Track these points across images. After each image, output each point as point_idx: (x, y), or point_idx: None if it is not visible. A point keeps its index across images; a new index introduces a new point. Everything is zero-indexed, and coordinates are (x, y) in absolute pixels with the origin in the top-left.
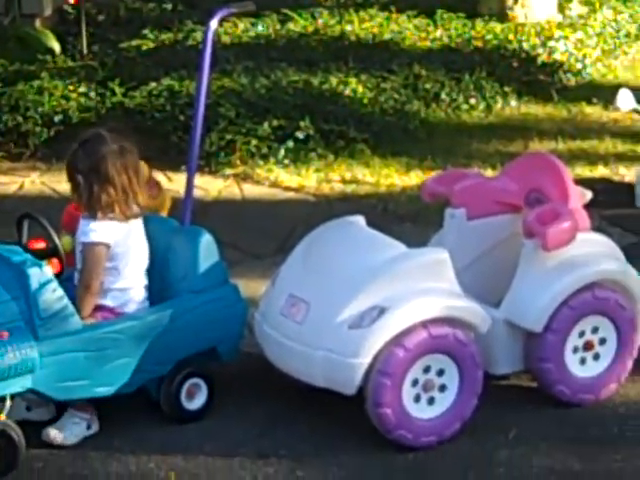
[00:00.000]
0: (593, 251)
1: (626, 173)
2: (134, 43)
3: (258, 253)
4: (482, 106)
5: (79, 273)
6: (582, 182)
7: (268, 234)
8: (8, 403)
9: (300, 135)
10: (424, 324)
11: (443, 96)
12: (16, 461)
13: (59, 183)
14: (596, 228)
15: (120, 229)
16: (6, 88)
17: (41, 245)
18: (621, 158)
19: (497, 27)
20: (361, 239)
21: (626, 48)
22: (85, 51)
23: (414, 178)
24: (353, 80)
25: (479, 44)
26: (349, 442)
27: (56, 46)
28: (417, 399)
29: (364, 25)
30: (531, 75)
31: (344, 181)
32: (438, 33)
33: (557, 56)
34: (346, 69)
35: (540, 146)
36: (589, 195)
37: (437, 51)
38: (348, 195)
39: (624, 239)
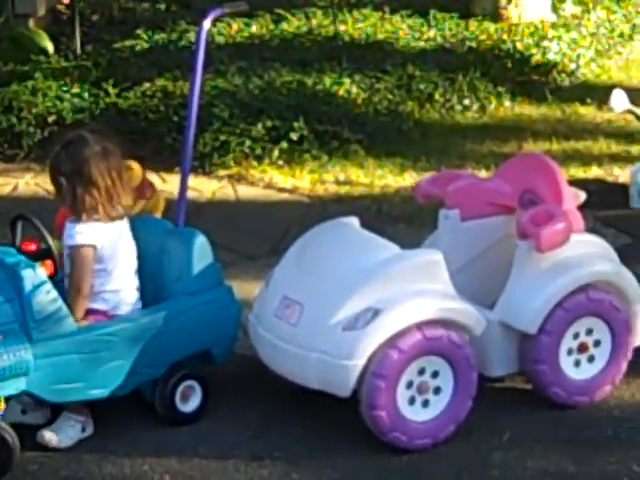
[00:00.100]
0: (587, 252)
1: (620, 174)
2: (128, 43)
3: (252, 254)
4: (476, 106)
5: (68, 277)
6: (576, 183)
7: (262, 235)
8: (2, 406)
9: (294, 136)
10: (418, 326)
11: (437, 96)
12: (10, 464)
13: None
14: (590, 229)
15: (106, 230)
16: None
17: (35, 247)
18: (615, 159)
19: (491, 27)
20: (355, 240)
21: (620, 48)
22: (79, 51)
23: (408, 179)
24: (347, 80)
25: (473, 44)
26: (343, 444)
27: (50, 46)
28: (411, 401)
29: (358, 25)
30: (525, 75)
31: (338, 182)
32: (432, 33)
33: (551, 56)
34: (340, 69)
35: (534, 147)
36: (583, 196)
37: (431, 51)
38: (342, 196)
39: (618, 240)
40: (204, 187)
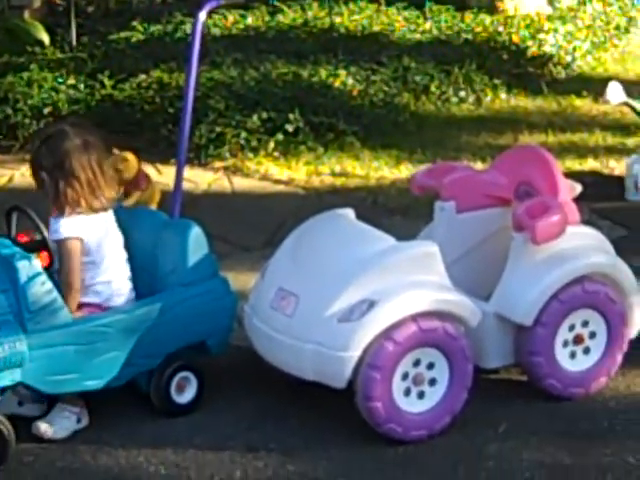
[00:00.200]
0: (583, 244)
1: (616, 166)
2: (123, 35)
3: (247, 246)
4: (472, 99)
5: (59, 273)
6: (572, 175)
7: (257, 227)
8: None
9: (290, 128)
10: (414, 317)
11: (433, 89)
12: (6, 455)
13: None
14: (586, 221)
15: (90, 223)
16: None
17: (30, 238)
18: (611, 151)
19: (487, 19)
20: (351, 232)
21: (616, 41)
22: (74, 43)
23: (404, 171)
24: (342, 72)
25: (469, 36)
26: (339, 436)
27: (45, 38)
28: (407, 393)
29: (353, 17)
30: (521, 68)
31: (334, 174)
32: (428, 25)
33: (547, 49)
34: (335, 61)
35: (530, 139)
36: (579, 188)
37: (427, 43)
38: (338, 188)
39: (614, 232)
40: (200, 179)
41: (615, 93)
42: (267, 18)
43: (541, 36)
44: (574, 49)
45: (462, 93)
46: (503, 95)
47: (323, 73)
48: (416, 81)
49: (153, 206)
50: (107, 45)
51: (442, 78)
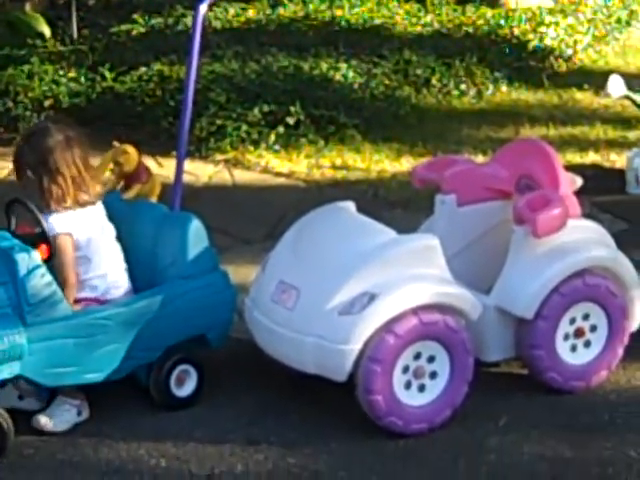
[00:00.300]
0: (584, 238)
1: (617, 159)
2: (124, 28)
3: (248, 238)
4: (473, 92)
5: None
6: (573, 168)
7: (258, 220)
8: None
9: (290, 121)
10: (414, 311)
11: (434, 82)
12: (4, 448)
13: None
14: (587, 215)
15: (78, 218)
16: None
17: (30, 230)
18: (612, 144)
19: (488, 12)
20: (351, 225)
21: (617, 34)
22: (75, 35)
23: (405, 164)
24: (343, 65)
25: (470, 30)
26: (339, 429)
27: (46, 30)
28: (408, 386)
29: (354, 10)
30: (522, 61)
31: (334, 167)
32: (429, 18)
33: (548, 42)
34: (336, 54)
35: (531, 132)
36: (580, 181)
37: (428, 36)
38: (338, 181)
39: (615, 226)
40: (200, 171)
41: (616, 86)
42: (268, 11)
43: (542, 29)
44: (575, 42)
45: (463, 86)
46: (504, 88)
47: (324, 66)
48: (417, 74)
49: (153, 199)
50: (108, 38)
51: (443, 71)
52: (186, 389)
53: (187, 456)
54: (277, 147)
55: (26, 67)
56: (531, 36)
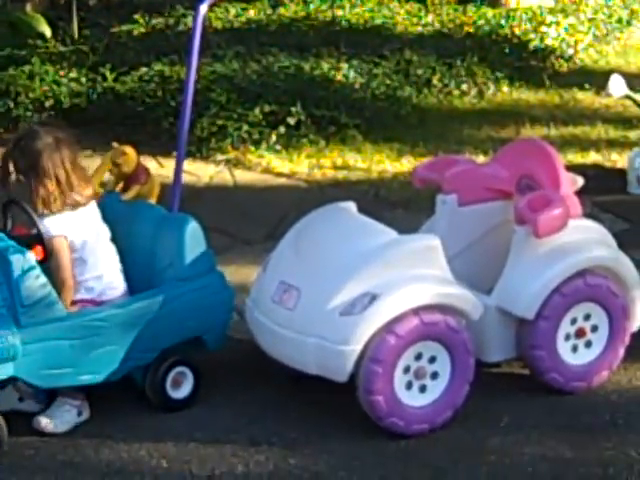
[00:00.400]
0: (585, 238)
1: (618, 159)
2: (125, 28)
3: (249, 239)
4: (474, 92)
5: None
6: (574, 168)
7: (259, 220)
8: None
9: (291, 121)
10: (415, 311)
11: (435, 82)
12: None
13: None
14: (588, 215)
15: (71, 219)
16: None
17: (26, 232)
18: (613, 144)
19: (489, 12)
20: (352, 225)
21: (618, 34)
22: (76, 36)
23: (406, 164)
24: (344, 65)
25: (471, 29)
26: (340, 429)
27: (47, 31)
28: (409, 386)
29: (355, 10)
30: (523, 61)
31: (335, 167)
32: (430, 18)
33: (549, 42)
34: (337, 54)
35: (532, 132)
36: (581, 181)
37: (429, 36)
38: (339, 181)
39: (616, 225)
40: (201, 172)
41: (617, 86)
42: (269, 11)
43: (543, 29)
44: (576, 42)
45: (464, 86)
46: (505, 88)
47: (325, 66)
48: (418, 74)
49: (153, 200)
50: (109, 38)
51: (444, 71)
52: (182, 391)
53: (188, 457)
54: (278, 147)
55: (27, 67)
56: (532, 36)
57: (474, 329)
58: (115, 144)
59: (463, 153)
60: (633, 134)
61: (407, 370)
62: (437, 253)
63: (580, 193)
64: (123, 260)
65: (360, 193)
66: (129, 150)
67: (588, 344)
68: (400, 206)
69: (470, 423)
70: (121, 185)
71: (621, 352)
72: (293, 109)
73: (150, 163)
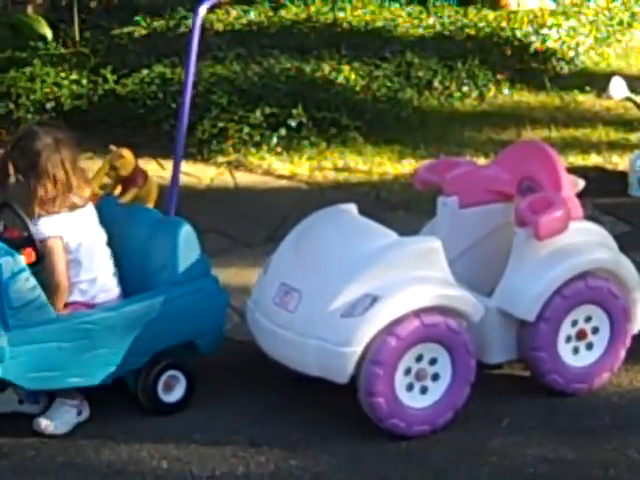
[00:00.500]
0: (586, 240)
1: (619, 161)
2: (126, 30)
3: (250, 241)
4: (475, 94)
5: (42, 272)
6: (575, 170)
7: (260, 222)
8: None
9: (292, 123)
10: (416, 313)
11: (436, 84)
12: None
13: None
14: (589, 217)
15: (68, 221)
16: None
17: (18, 234)
18: (614, 146)
19: (490, 15)
20: (353, 227)
21: (619, 36)
22: (77, 38)
23: (407, 166)
24: (346, 68)
25: (472, 32)
26: (341, 431)
27: (48, 33)
28: (410, 388)
29: (356, 12)
30: (524, 63)
31: (336, 169)
32: (431, 21)
33: (550, 44)
34: (338, 57)
35: (533, 134)
36: (582, 184)
37: (430, 39)
38: (341, 183)
39: (617, 228)
40: (202, 174)
41: (618, 88)
42: (270, 13)
43: (544, 31)
44: (577, 44)
45: (465, 88)
46: (506, 90)
47: (326, 68)
48: (419, 76)
49: (151, 202)
50: (110, 40)
51: (445, 73)
52: (174, 395)
53: (188, 458)
54: (279, 149)
55: (28, 69)
56: (533, 38)
57: (475, 331)
58: (113, 147)
59: (464, 155)
60: (634, 136)
61: (408, 372)
62: (438, 255)
63: (581, 195)
64: (118, 263)
65: (361, 195)
66: (126, 153)
67: (589, 346)
68: (401, 208)
69: (471, 424)
70: (120, 188)
71: (622, 354)
72: (294, 111)
73: (151, 165)
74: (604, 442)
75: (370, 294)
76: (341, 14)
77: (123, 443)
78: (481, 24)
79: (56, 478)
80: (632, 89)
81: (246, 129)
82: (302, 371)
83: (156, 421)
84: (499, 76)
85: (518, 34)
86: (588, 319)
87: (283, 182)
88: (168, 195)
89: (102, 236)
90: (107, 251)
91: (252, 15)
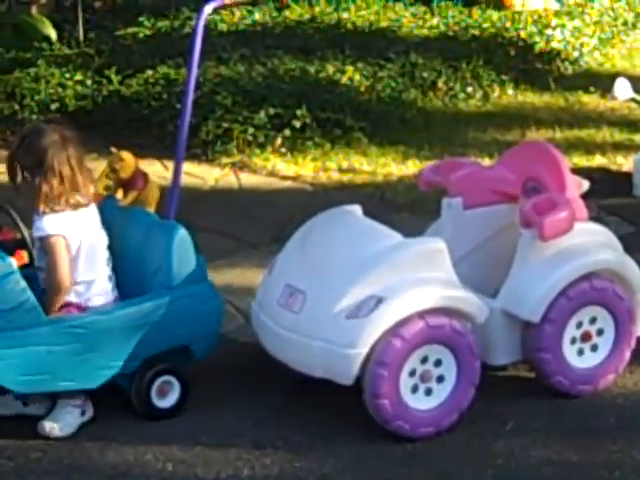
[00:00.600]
0: (591, 241)
1: (624, 162)
2: (130, 30)
3: (255, 242)
4: (479, 95)
5: (43, 272)
6: (579, 171)
7: (265, 223)
8: None
9: (297, 124)
10: (421, 314)
11: (440, 84)
12: None
13: None
14: (593, 218)
15: (71, 219)
16: (2, 76)
17: (12, 236)
18: (618, 147)
19: (494, 15)
20: (358, 228)
21: (623, 36)
22: (81, 38)
23: (411, 167)
24: (350, 68)
25: (476, 32)
26: (346, 433)
27: (52, 33)
28: (415, 390)
29: (361, 13)
30: (528, 63)
31: (341, 170)
32: (435, 21)
33: (554, 44)
34: (343, 57)
35: (537, 135)
36: (586, 184)
37: (434, 39)
38: (345, 184)
39: (621, 228)
40: (207, 175)
41: (623, 89)
42: (274, 14)
43: (549, 32)
44: (581, 45)
45: (469, 89)
46: (510, 91)
47: (330, 69)
48: (423, 77)
49: (151, 205)
50: (114, 41)
51: (449, 74)
52: (168, 400)
53: (193, 460)
54: (283, 150)
55: (32, 70)
56: (537, 38)
57: (480, 332)
58: (113, 149)
59: (468, 156)
60: (638, 137)
61: (413, 373)
62: (443, 256)
63: (586, 196)
64: (116, 266)
65: (365, 196)
66: (126, 156)
67: (594, 347)
68: (406, 209)
69: (476, 426)
70: (121, 191)
71: (627, 355)
72: (298, 112)
73: (155, 166)
74: (609, 444)
75: (375, 295)
76: (345, 15)
77: (128, 445)
78: (485, 25)
79: None
80: (636, 90)
81: (250, 130)
82: (307, 373)
83: (161, 423)
84: (503, 77)
85: (522, 34)
86: (593, 320)
87: (287, 183)
88: (168, 198)
89: (103, 238)
90: (106, 254)
91: (256, 16)
